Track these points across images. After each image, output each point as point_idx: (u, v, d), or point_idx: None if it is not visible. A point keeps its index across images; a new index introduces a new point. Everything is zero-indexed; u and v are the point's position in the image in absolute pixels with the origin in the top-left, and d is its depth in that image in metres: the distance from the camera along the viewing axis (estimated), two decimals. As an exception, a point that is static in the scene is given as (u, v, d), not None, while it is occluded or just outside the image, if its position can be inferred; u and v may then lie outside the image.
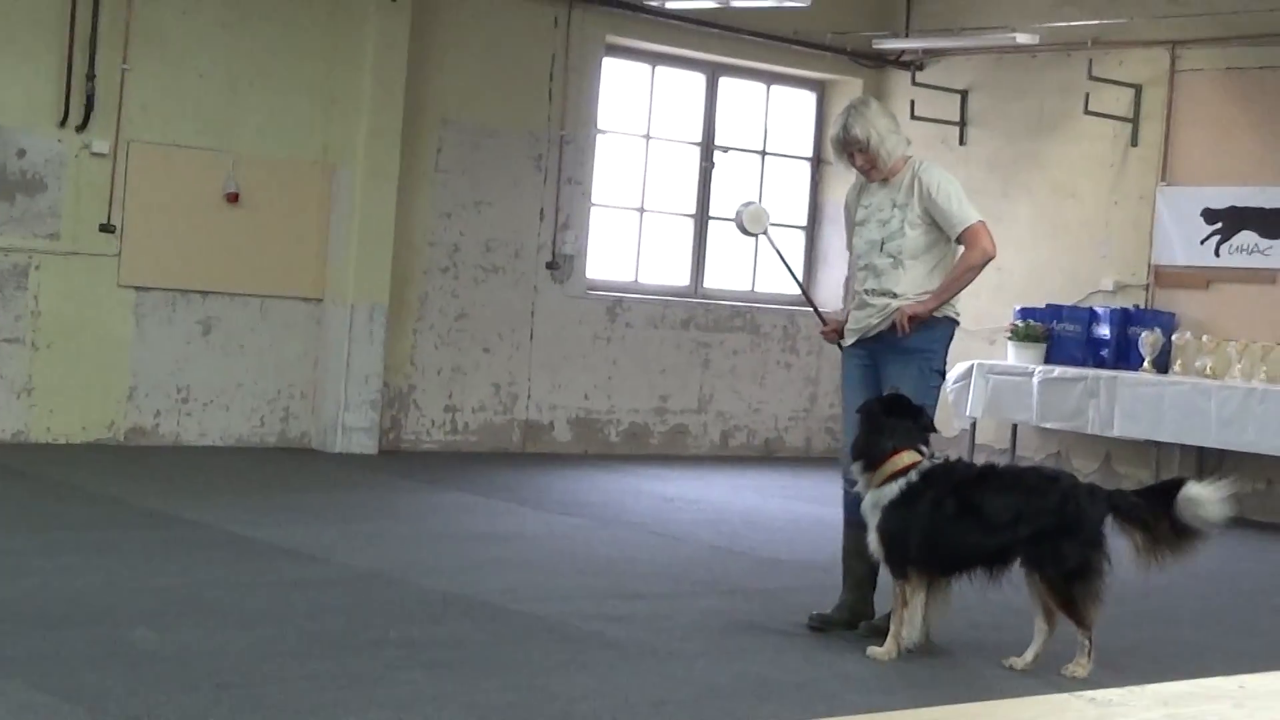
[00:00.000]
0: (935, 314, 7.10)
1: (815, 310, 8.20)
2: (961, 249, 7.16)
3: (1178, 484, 6.72)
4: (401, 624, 6.77)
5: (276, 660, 6.01)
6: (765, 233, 7.81)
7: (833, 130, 7.23)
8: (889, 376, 7.11)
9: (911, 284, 7.10)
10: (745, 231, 7.77)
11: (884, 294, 7.14)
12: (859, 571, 7.17)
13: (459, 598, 7.39)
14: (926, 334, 7.12)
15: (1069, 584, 6.55)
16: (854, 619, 7.14)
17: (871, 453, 6.68)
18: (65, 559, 7.63)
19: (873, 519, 6.66)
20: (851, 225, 7.37)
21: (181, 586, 7.21)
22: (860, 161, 7.15)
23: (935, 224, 7.12)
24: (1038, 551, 6.52)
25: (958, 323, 7.28)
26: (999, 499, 6.62)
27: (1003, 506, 6.60)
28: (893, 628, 6.64)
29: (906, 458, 6.65)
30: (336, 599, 7.18)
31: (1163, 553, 6.66)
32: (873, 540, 6.68)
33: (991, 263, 7.17)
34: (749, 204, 7.87)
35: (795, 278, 8.11)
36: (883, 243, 7.14)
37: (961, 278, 7.12)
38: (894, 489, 6.60)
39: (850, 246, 7.48)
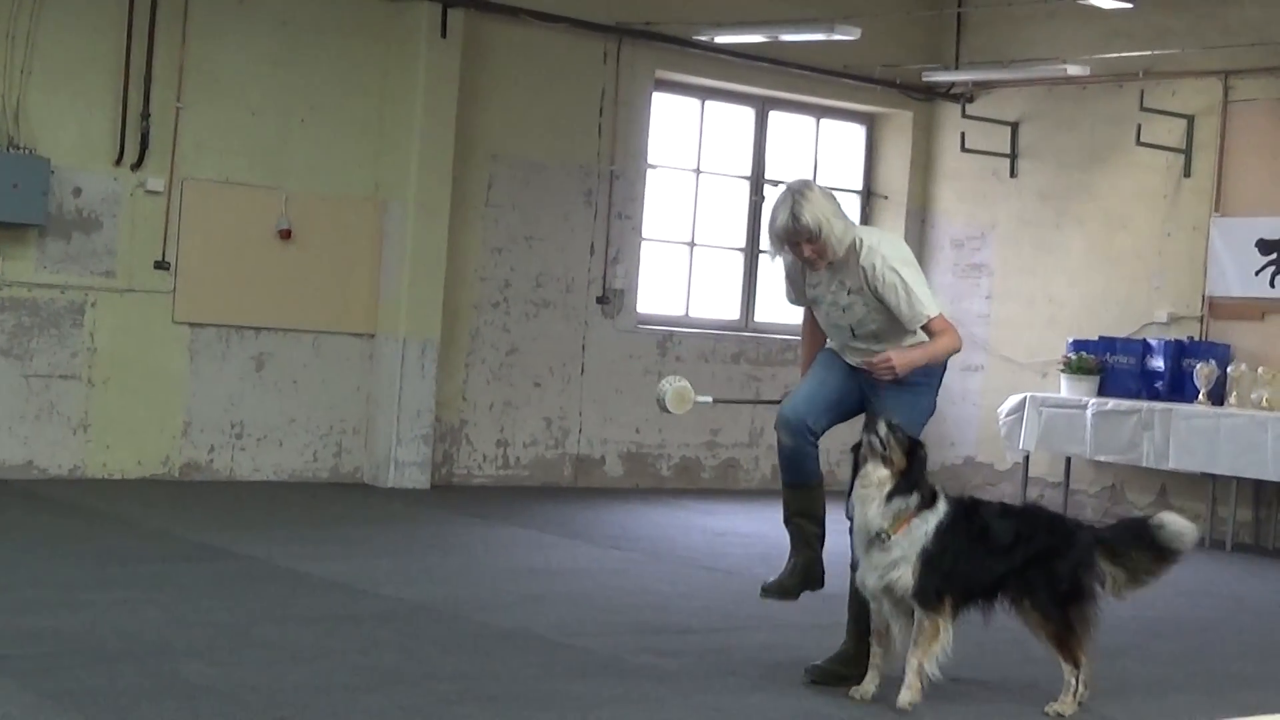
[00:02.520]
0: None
1: (773, 401, 7.42)
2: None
3: (1145, 521, 6.59)
4: (454, 658, 6.77)
5: (330, 694, 6.02)
6: (694, 405, 7.04)
7: (779, 220, 6.47)
8: (881, 401, 6.60)
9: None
10: (667, 410, 7.00)
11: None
12: (810, 531, 6.74)
13: (511, 632, 7.39)
14: (923, 370, 6.64)
15: (1065, 613, 6.40)
16: (810, 580, 6.75)
17: (924, 493, 6.36)
18: (120, 593, 7.67)
19: (908, 551, 6.28)
20: (797, 286, 6.80)
21: (235, 621, 7.23)
22: (809, 252, 6.50)
23: None
24: (1035, 580, 6.41)
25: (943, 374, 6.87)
26: (1011, 529, 6.48)
27: (1015, 536, 6.45)
28: (917, 662, 6.28)
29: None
30: (389, 633, 7.19)
31: (1139, 583, 6.54)
32: (903, 572, 6.28)
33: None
34: (670, 384, 7.01)
35: (749, 401, 7.71)
36: (852, 329, 6.65)
37: (940, 356, 6.62)
38: (935, 518, 6.33)
39: (790, 301, 6.96)
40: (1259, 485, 12.46)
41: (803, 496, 6.75)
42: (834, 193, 6.62)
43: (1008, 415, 13.32)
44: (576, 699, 6.19)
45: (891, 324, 6.56)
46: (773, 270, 14.56)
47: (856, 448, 6.47)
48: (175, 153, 11.65)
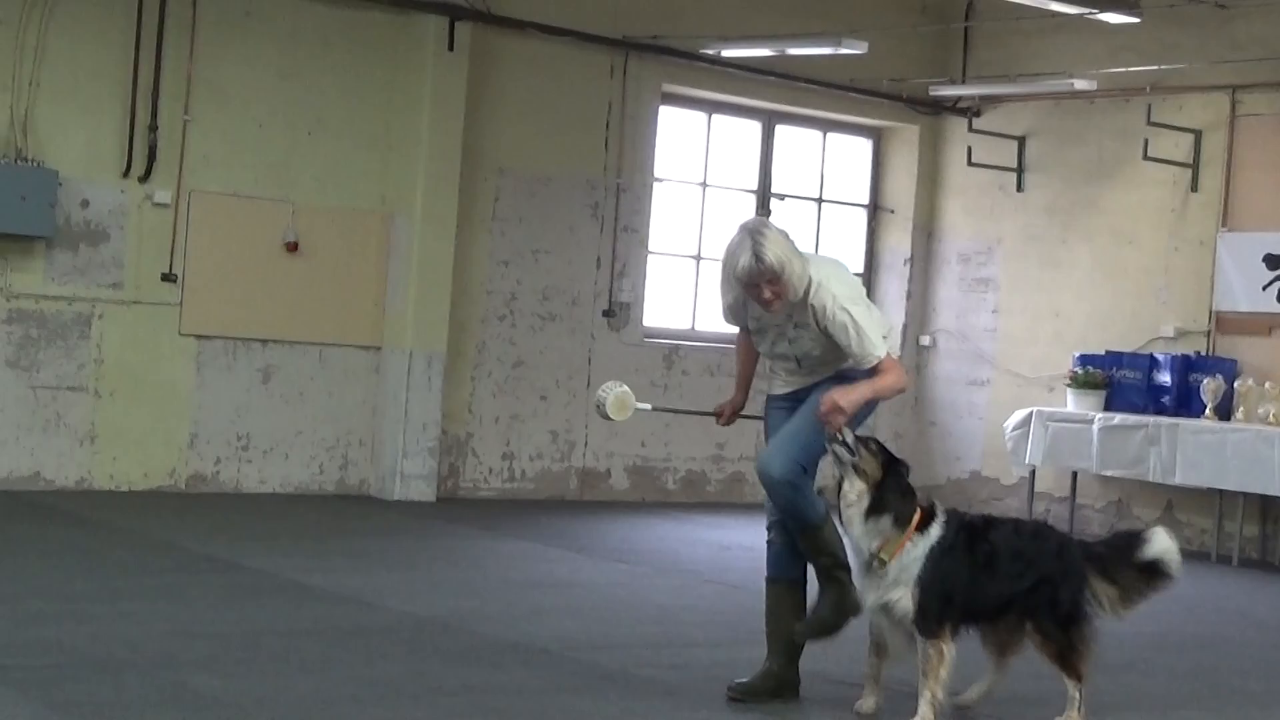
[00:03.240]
0: None
1: (708, 413, 7.17)
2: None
3: (1137, 535, 6.53)
4: (459, 671, 6.77)
5: (336, 707, 6.02)
6: (636, 411, 6.90)
7: (741, 261, 6.23)
8: (811, 396, 6.45)
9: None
10: (608, 417, 6.87)
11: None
12: (787, 633, 6.59)
13: (516, 645, 7.38)
14: (866, 370, 6.43)
15: (1066, 632, 6.33)
16: (780, 688, 6.55)
17: (905, 510, 6.17)
18: (126, 605, 7.67)
19: (901, 575, 6.12)
20: (736, 310, 6.62)
21: (241, 632, 7.23)
22: (768, 293, 6.27)
23: None
24: (1037, 600, 6.33)
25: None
26: (1011, 549, 6.33)
27: (1014, 556, 6.32)
28: (930, 692, 6.16)
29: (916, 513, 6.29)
30: (395, 646, 7.19)
31: (1131, 603, 6.48)
32: (901, 596, 6.13)
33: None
34: (611, 390, 6.85)
35: (687, 411, 7.41)
36: (798, 360, 6.55)
37: (884, 393, 6.44)
38: (927, 542, 6.16)
39: (728, 321, 6.80)
40: (1266, 500, 12.44)
41: (787, 594, 6.66)
42: (788, 234, 6.39)
43: (1014, 430, 13.32)
44: (581, 712, 6.19)
45: (835, 351, 6.42)
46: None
47: (894, 465, 6.31)
48: (183, 165, 11.68)
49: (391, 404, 12.41)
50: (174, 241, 11.68)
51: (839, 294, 6.37)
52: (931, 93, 14.45)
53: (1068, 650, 6.36)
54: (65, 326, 11.35)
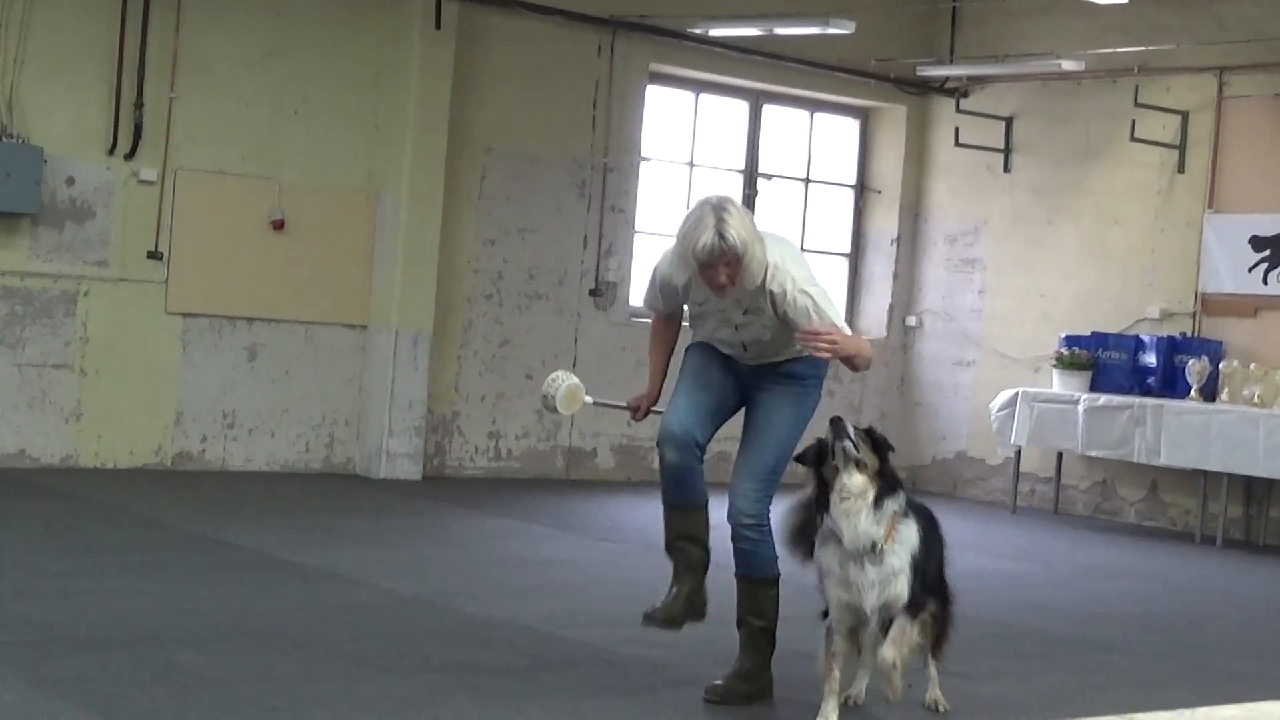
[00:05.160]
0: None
1: (622, 406, 6.83)
2: None
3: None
4: (445, 649, 6.78)
5: (321, 684, 6.02)
6: (584, 405, 6.65)
7: (702, 240, 5.82)
8: (761, 404, 6.22)
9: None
10: (555, 410, 6.55)
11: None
12: (695, 557, 6.35)
13: (503, 623, 7.39)
14: (812, 364, 6.18)
15: (945, 613, 6.24)
16: (694, 610, 6.29)
17: (900, 494, 5.93)
18: (112, 582, 7.67)
19: (904, 558, 5.85)
20: (672, 299, 6.32)
21: (227, 610, 7.24)
22: (725, 276, 5.87)
23: None
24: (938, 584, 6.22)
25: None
26: (938, 532, 6.18)
27: (940, 541, 6.18)
28: (935, 662, 6.14)
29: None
30: (381, 624, 7.20)
31: None
32: (901, 585, 5.83)
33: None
34: (561, 382, 6.56)
35: (612, 405, 6.92)
36: (744, 345, 6.19)
37: (867, 356, 6.02)
38: (913, 523, 5.92)
39: (651, 307, 6.53)
40: (1250, 481, 12.48)
41: (688, 519, 6.35)
42: (750, 215, 6.03)
43: (999, 410, 13.35)
44: (567, 690, 6.20)
45: (783, 333, 6.06)
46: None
47: (805, 459, 5.95)
48: (169, 143, 11.65)
49: (378, 383, 12.41)
50: (160, 219, 11.66)
51: (797, 276, 5.98)
52: (919, 73, 14.45)
53: (943, 632, 6.23)
54: (51, 304, 11.33)
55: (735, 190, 14.41)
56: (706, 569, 6.39)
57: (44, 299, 11.30)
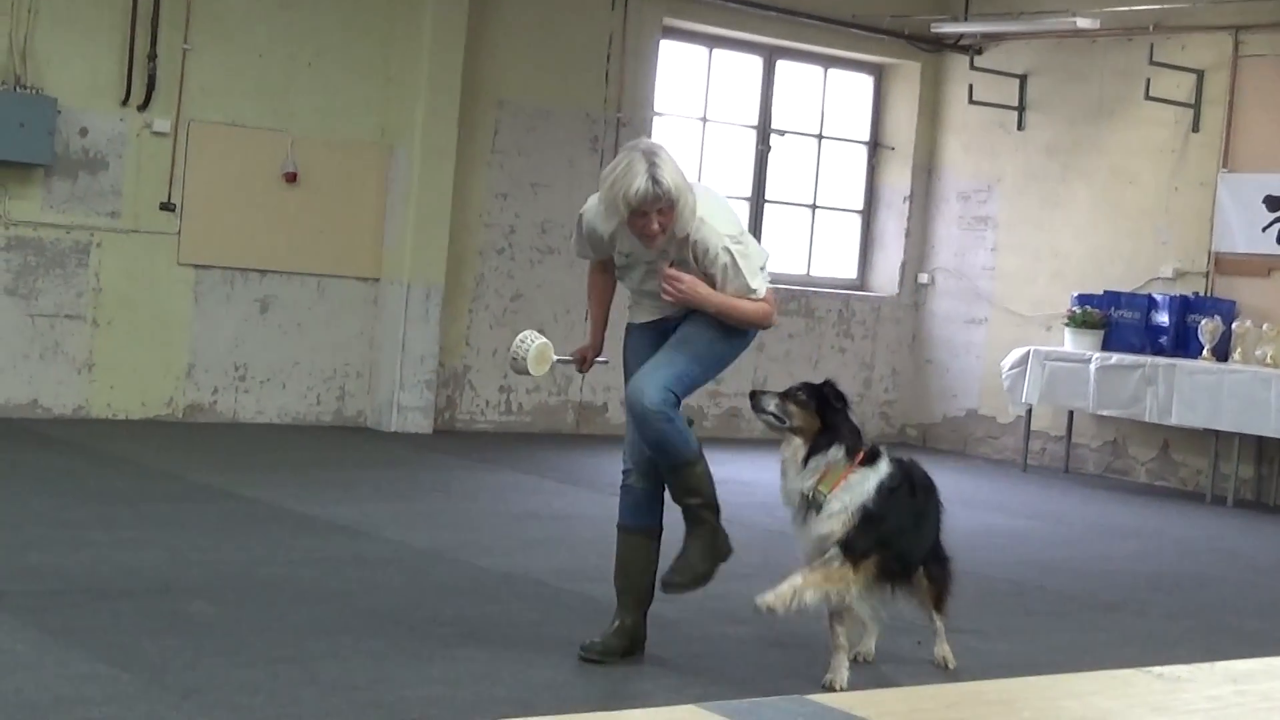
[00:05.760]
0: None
1: (570, 359, 6.62)
2: None
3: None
4: (455, 602, 6.80)
5: (331, 636, 6.05)
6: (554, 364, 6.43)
7: (635, 185, 5.72)
8: (689, 321, 6.03)
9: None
10: (525, 371, 6.33)
11: None
12: (641, 587, 6.22)
13: (512, 576, 7.42)
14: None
15: (945, 572, 6.29)
16: (633, 646, 6.15)
17: (852, 442, 5.91)
18: (124, 533, 7.70)
19: (849, 503, 5.78)
20: (600, 248, 6.20)
21: (237, 561, 7.27)
22: (656, 224, 5.77)
23: None
24: (935, 547, 6.25)
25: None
26: (935, 500, 6.20)
27: (936, 506, 6.21)
28: (800, 580, 5.75)
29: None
30: (391, 576, 7.23)
31: None
32: (837, 523, 5.77)
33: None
34: (531, 342, 6.31)
35: (565, 360, 6.60)
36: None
37: (737, 313, 5.97)
38: (876, 476, 5.86)
39: (580, 255, 6.42)
40: (1261, 441, 12.47)
41: (641, 545, 6.30)
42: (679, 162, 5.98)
43: (1011, 368, 13.33)
44: (576, 644, 6.21)
45: (712, 285, 5.95)
46: (777, 220, 14.60)
47: (815, 393, 5.98)
48: (182, 94, 11.64)
49: (389, 336, 12.42)
50: (172, 171, 11.66)
51: (722, 229, 5.91)
52: (933, 30, 14.39)
53: (944, 590, 6.28)
54: (63, 255, 11.34)
55: (748, 146, 14.38)
56: (650, 601, 6.25)
57: (56, 250, 11.31)
